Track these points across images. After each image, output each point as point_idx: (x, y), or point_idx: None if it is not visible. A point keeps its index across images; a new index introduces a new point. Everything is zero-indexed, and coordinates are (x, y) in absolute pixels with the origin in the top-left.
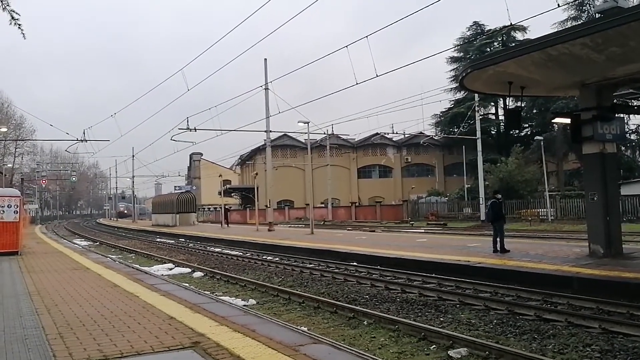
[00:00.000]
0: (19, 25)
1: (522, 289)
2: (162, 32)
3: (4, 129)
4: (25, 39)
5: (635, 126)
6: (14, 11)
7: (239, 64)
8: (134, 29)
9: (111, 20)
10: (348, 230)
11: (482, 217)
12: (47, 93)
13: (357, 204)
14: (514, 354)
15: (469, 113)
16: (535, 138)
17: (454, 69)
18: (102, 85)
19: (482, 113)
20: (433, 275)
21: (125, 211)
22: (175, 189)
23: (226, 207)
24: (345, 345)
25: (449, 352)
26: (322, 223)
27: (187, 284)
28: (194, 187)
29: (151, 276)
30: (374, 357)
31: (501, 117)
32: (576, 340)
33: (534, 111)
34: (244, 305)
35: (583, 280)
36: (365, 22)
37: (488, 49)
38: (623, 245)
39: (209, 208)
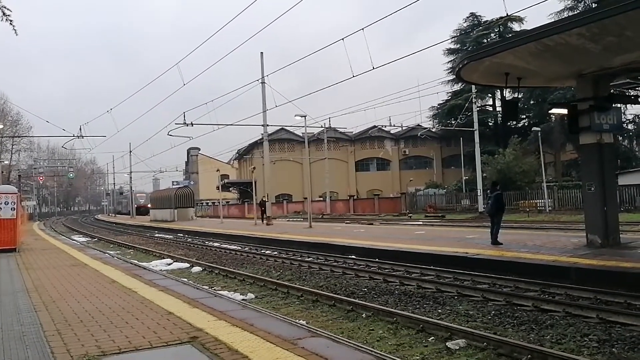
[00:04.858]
0: (11, 21)
1: (520, 280)
2: (161, 24)
3: (1, 126)
4: (17, 35)
5: (632, 116)
6: (5, 7)
7: (236, 57)
8: (131, 20)
9: (108, 12)
10: (346, 223)
11: (480, 209)
12: (43, 88)
13: (355, 197)
14: (512, 344)
15: (466, 105)
16: (532, 129)
17: (450, 61)
18: (98, 79)
19: (480, 105)
20: (431, 267)
21: (149, 205)
22: (173, 184)
23: (263, 199)
24: (343, 338)
25: (447, 343)
26: (320, 216)
27: (185, 279)
28: (192, 182)
29: (149, 271)
30: (371, 349)
31: (498, 109)
32: (574, 330)
33: (531, 102)
34: (243, 300)
35: (581, 271)
36: (371, 12)
37: (485, 40)
38: (620, 235)
39: (207, 203)
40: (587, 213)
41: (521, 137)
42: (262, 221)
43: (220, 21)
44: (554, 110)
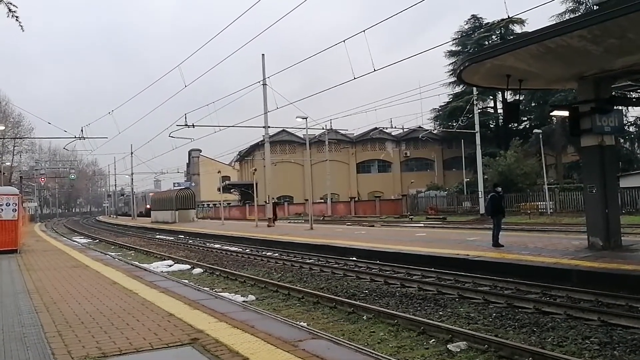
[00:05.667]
0: (17, 17)
1: (521, 282)
2: (161, 24)
3: (2, 127)
4: (23, 31)
5: (633, 118)
6: (10, 3)
7: (238, 58)
8: (131, 20)
9: (108, 11)
10: (347, 225)
11: (482, 211)
12: (43, 88)
13: (356, 199)
14: (513, 347)
15: (467, 107)
16: (534, 131)
17: (452, 63)
18: (99, 79)
19: (481, 107)
20: (432, 269)
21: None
22: (174, 186)
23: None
24: (344, 340)
25: (448, 346)
26: (321, 218)
27: (186, 281)
28: (193, 184)
29: (150, 273)
30: (372, 351)
31: (500, 111)
32: (575, 332)
33: (533, 104)
34: (244, 301)
35: (582, 273)
36: (372, 12)
37: (486, 43)
38: (622, 238)
39: (208, 204)
40: (588, 215)
41: (522, 139)
42: (273, 222)
43: (220, 21)
44: (555, 113)
